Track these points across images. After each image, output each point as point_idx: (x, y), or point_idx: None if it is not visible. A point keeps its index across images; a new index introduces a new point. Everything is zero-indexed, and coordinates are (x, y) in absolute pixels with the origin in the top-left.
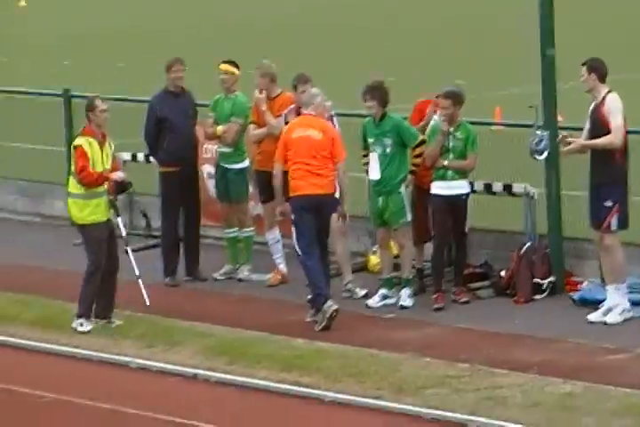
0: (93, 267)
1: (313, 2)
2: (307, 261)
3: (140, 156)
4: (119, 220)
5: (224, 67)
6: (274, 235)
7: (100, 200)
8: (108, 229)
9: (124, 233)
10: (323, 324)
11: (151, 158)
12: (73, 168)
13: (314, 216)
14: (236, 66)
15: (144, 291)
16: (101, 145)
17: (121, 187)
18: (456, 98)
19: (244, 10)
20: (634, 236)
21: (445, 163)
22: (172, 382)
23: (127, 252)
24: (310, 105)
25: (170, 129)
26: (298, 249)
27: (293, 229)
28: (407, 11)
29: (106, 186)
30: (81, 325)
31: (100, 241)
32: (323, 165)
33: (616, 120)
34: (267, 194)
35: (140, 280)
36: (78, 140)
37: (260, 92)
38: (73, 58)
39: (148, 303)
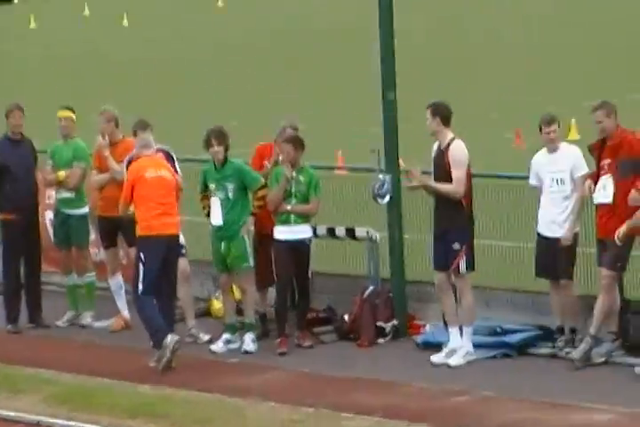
0: None
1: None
2: (145, 300)
3: None
4: None
5: (64, 113)
6: (116, 280)
7: None
8: None
9: None
10: (164, 359)
11: None
12: None
13: (163, 257)
14: (73, 111)
15: None
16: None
17: None
18: (297, 142)
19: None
20: (473, 278)
21: (289, 207)
22: None
23: None
24: (150, 148)
25: (10, 176)
26: (140, 288)
27: (141, 268)
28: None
29: None
30: None
31: None
32: (173, 206)
33: (458, 172)
34: (109, 240)
35: None
36: None
37: (103, 138)
38: None
39: None
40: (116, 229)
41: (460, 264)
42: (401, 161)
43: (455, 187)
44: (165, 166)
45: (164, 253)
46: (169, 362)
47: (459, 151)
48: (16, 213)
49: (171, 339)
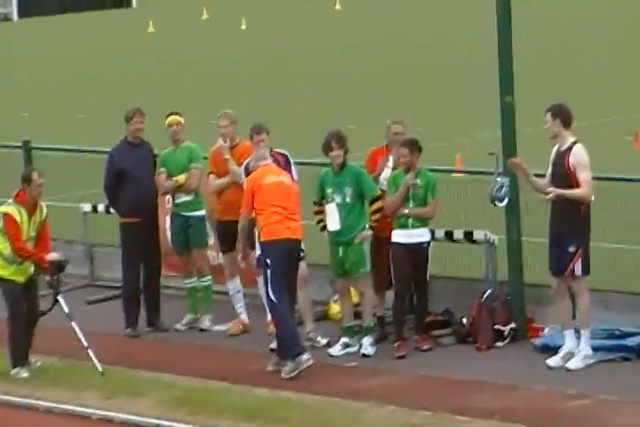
0: (12, 313)
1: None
2: (281, 308)
3: (101, 207)
4: (60, 297)
5: (172, 118)
6: (235, 284)
7: (24, 265)
8: (26, 284)
9: (66, 309)
10: (293, 373)
11: (111, 209)
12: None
13: (287, 262)
14: (181, 116)
15: (95, 359)
16: (30, 215)
17: (57, 267)
18: (413, 146)
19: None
20: (591, 281)
21: (406, 211)
22: None
23: (73, 326)
24: (265, 159)
25: (129, 180)
26: (272, 295)
27: (269, 274)
28: (355, 57)
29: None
30: (17, 373)
31: (16, 290)
32: (295, 210)
33: (585, 175)
34: (228, 244)
35: (89, 350)
36: (9, 208)
37: (224, 141)
38: (31, 109)
39: (100, 370)
40: (235, 234)
41: (575, 267)
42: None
43: (585, 190)
44: (283, 173)
45: (287, 257)
46: (293, 376)
47: (582, 154)
48: (136, 217)
49: (306, 358)
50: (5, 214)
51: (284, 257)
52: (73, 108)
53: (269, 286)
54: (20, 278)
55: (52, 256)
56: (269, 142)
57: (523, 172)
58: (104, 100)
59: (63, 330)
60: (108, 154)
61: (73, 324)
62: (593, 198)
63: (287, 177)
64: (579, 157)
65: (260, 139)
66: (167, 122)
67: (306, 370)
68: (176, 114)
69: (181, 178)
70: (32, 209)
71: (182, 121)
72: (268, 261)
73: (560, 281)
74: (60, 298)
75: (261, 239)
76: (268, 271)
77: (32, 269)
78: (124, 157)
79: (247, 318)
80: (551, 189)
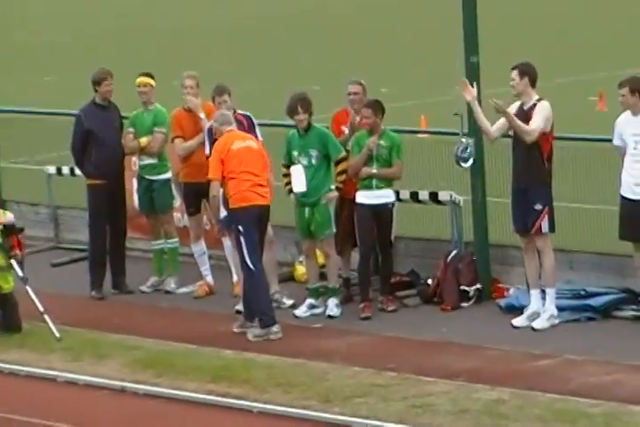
0: None
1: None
2: (258, 276)
3: (65, 169)
4: (13, 262)
5: (142, 79)
6: (200, 247)
7: None
8: None
9: (20, 273)
10: (259, 338)
11: (77, 171)
12: None
13: (258, 227)
14: (152, 77)
15: (51, 324)
16: None
17: (10, 230)
18: (376, 106)
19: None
20: (557, 241)
21: (374, 171)
22: (100, 396)
23: (27, 290)
24: (230, 124)
25: (97, 142)
26: (249, 262)
27: (243, 241)
28: (320, 17)
29: None
30: None
31: None
32: (264, 176)
33: (537, 118)
34: (194, 206)
35: (45, 316)
36: None
37: (194, 101)
38: None
39: (57, 335)
40: (201, 196)
41: (542, 225)
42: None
43: (530, 128)
44: (249, 137)
45: (258, 222)
46: (257, 340)
47: (546, 108)
48: (103, 179)
49: (276, 331)
50: None
51: (256, 223)
52: (39, 70)
53: (245, 252)
54: None
55: (6, 219)
56: (232, 104)
57: (502, 108)
58: (69, 63)
59: (26, 295)
60: (75, 116)
61: (27, 288)
62: (533, 139)
63: (254, 141)
64: (541, 108)
65: (221, 100)
66: (136, 83)
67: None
68: (146, 75)
69: (144, 141)
70: None
71: (152, 83)
72: (241, 228)
73: (527, 240)
74: (13, 262)
75: (231, 206)
76: (242, 238)
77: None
78: (91, 119)
79: (212, 280)
80: (500, 102)
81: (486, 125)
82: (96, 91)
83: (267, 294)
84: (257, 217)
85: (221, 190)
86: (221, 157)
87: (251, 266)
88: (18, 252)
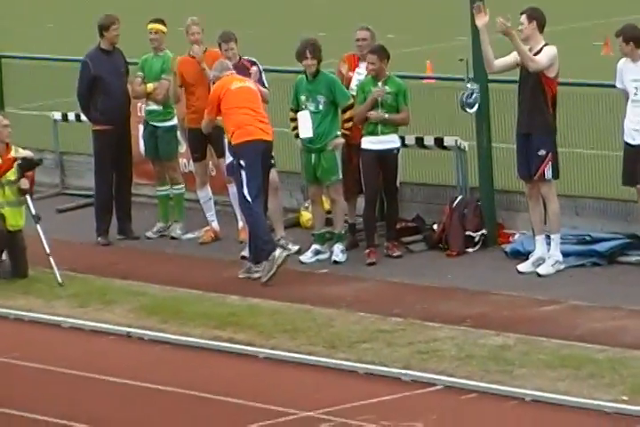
0: None
1: None
2: (255, 207)
3: (71, 115)
4: (27, 198)
5: (154, 26)
6: (206, 192)
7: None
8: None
9: (33, 211)
10: (270, 272)
11: (82, 117)
12: None
13: (261, 162)
14: (164, 24)
15: (56, 269)
16: (2, 157)
17: (29, 164)
18: (381, 52)
19: None
20: (562, 187)
21: (386, 116)
22: (106, 342)
23: (37, 229)
24: (228, 70)
25: (103, 88)
26: (247, 194)
27: (244, 174)
28: None
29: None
30: None
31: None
32: (264, 114)
33: (543, 56)
34: (199, 152)
35: (50, 258)
36: None
37: (198, 49)
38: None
39: (59, 280)
40: (206, 141)
41: (545, 171)
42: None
43: (536, 58)
44: (247, 79)
45: (262, 157)
46: (274, 275)
47: (552, 51)
48: (109, 125)
49: (279, 253)
50: None
51: (258, 157)
52: (41, 17)
53: (245, 185)
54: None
55: (24, 153)
56: (238, 50)
57: (509, 31)
58: (71, 9)
59: (34, 238)
60: (81, 61)
61: (38, 227)
62: (536, 67)
63: (252, 83)
64: (548, 51)
65: (228, 47)
66: (148, 29)
67: (281, 271)
68: (157, 21)
69: (150, 86)
70: (4, 153)
71: (163, 29)
72: (243, 162)
73: (531, 186)
74: (27, 197)
75: (234, 142)
76: (243, 172)
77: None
78: (98, 65)
79: (218, 225)
80: (503, 21)
81: (489, 55)
82: (102, 36)
83: (264, 227)
84: (261, 152)
85: (226, 139)
86: (220, 95)
87: (249, 198)
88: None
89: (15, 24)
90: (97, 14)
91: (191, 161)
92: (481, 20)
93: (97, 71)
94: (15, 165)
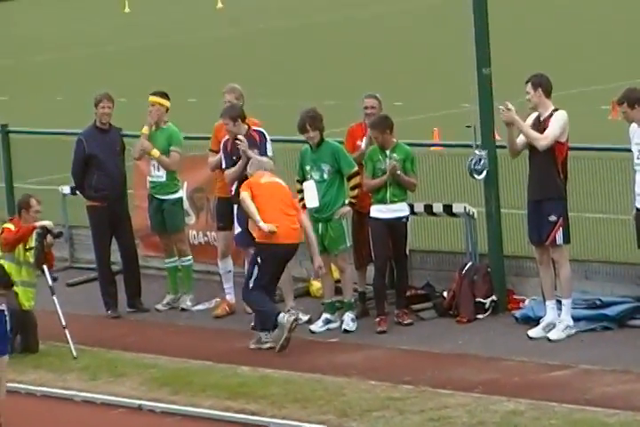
0: None
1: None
2: (254, 293)
3: (67, 189)
4: (45, 267)
5: (151, 99)
6: (226, 264)
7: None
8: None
9: (50, 282)
10: (282, 339)
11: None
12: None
13: (278, 265)
14: (167, 97)
15: (71, 342)
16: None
17: (46, 232)
18: (380, 126)
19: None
20: (572, 251)
21: (398, 172)
22: (117, 414)
23: (54, 301)
24: (264, 170)
25: (97, 166)
26: (250, 286)
27: (255, 271)
28: (335, 32)
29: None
30: None
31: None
32: (294, 212)
33: (554, 130)
34: (224, 222)
35: (66, 330)
36: (8, 224)
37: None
38: (8, 92)
39: (74, 353)
40: (232, 212)
41: (556, 236)
42: (497, 135)
43: (543, 137)
44: (275, 176)
45: (281, 261)
46: (287, 341)
47: (563, 117)
48: (102, 201)
49: (287, 318)
50: (4, 228)
51: (281, 262)
52: (50, 91)
53: (252, 281)
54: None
55: (43, 223)
56: (244, 125)
57: (511, 120)
58: (81, 82)
59: (44, 312)
60: (76, 140)
61: (54, 298)
62: (546, 144)
63: (280, 180)
64: (558, 117)
65: (236, 124)
66: (148, 101)
67: (292, 341)
68: (158, 94)
69: (156, 152)
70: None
71: (161, 102)
72: (259, 259)
73: (542, 251)
74: (45, 268)
75: (258, 239)
76: (256, 269)
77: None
78: (92, 143)
79: (234, 298)
80: (509, 106)
81: (515, 147)
82: (96, 113)
83: (267, 300)
84: (281, 255)
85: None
86: (252, 190)
87: (250, 286)
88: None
89: (23, 97)
90: (108, 87)
91: (201, 232)
92: (507, 117)
93: (91, 150)
94: (35, 233)
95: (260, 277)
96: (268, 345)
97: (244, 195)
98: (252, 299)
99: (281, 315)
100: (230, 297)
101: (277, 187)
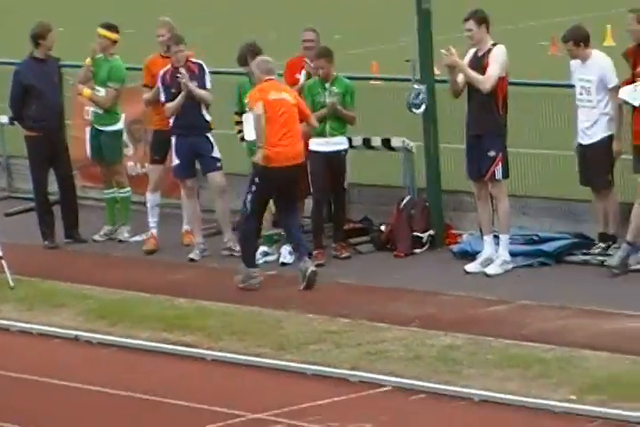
0: None
1: None
2: (251, 228)
3: (4, 118)
4: None
5: (98, 31)
6: (155, 197)
7: None
8: None
9: None
10: (304, 283)
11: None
12: None
13: (277, 188)
14: (115, 30)
15: (8, 272)
16: None
17: None
18: (329, 55)
19: None
20: (510, 187)
21: (338, 106)
22: (54, 345)
23: None
24: (271, 72)
25: (36, 96)
26: (247, 208)
27: (253, 189)
28: None
29: None
30: None
31: None
32: (298, 129)
33: (494, 67)
34: (159, 155)
35: (2, 260)
36: None
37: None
38: None
39: (11, 284)
40: (168, 145)
41: (495, 172)
42: (436, 70)
43: (485, 78)
44: (286, 89)
45: (281, 183)
46: (309, 287)
47: (502, 53)
48: (40, 131)
49: (307, 267)
50: None
51: (278, 184)
52: None
53: (248, 199)
54: None
55: None
56: (186, 52)
57: (455, 61)
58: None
59: None
60: (14, 71)
61: None
62: (489, 87)
63: (289, 93)
64: (498, 53)
65: (177, 49)
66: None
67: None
68: (103, 26)
69: (87, 92)
70: None
71: (107, 34)
72: (257, 180)
73: (480, 186)
74: None
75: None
76: (253, 187)
77: None
78: (29, 74)
79: (157, 232)
80: (452, 50)
81: (458, 87)
82: (38, 45)
83: (253, 243)
84: (283, 178)
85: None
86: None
87: (247, 208)
88: None
89: None
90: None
91: (139, 163)
92: (451, 61)
93: (29, 80)
94: None
95: (254, 199)
96: (257, 281)
97: (260, 113)
98: (245, 237)
99: (302, 262)
100: (155, 231)
101: (285, 105)
